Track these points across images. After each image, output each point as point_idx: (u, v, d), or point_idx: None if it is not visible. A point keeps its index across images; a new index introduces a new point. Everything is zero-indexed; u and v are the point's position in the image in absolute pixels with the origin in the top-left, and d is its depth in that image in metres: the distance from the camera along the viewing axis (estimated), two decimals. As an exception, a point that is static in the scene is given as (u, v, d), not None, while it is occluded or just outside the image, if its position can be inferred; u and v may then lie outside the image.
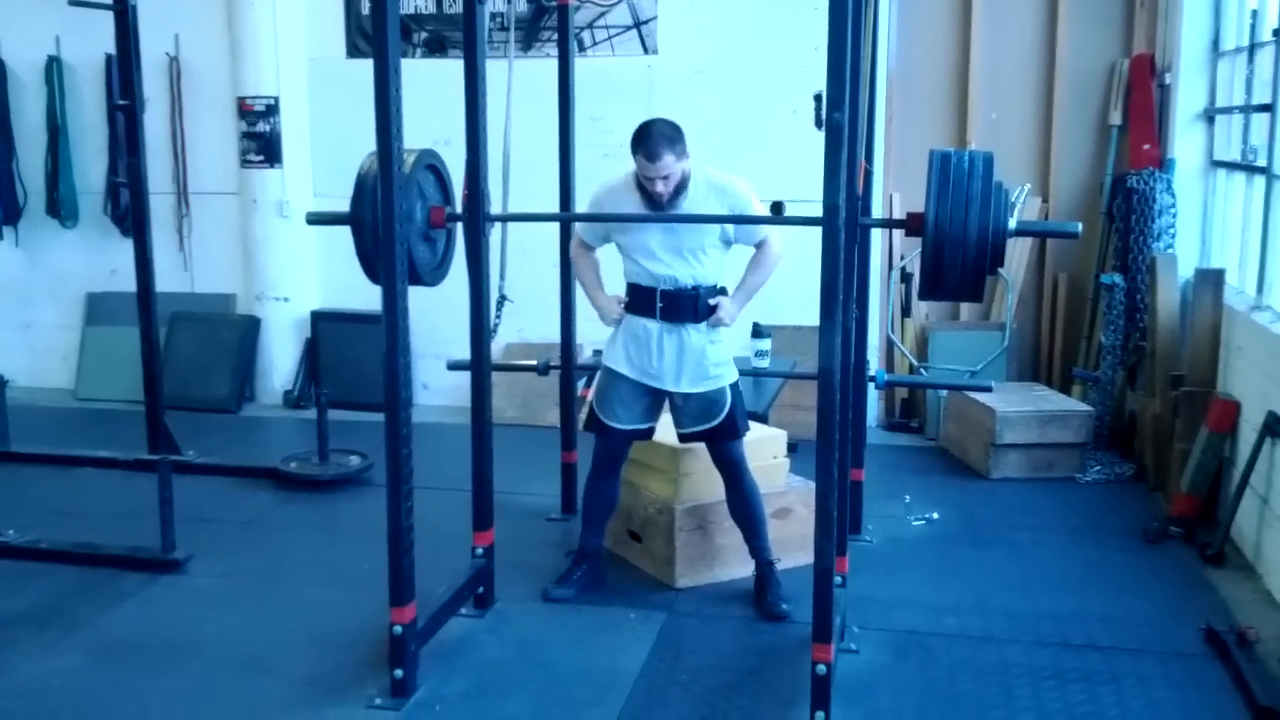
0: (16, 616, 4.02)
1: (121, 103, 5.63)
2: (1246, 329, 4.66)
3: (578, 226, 4.19)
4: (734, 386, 4.02)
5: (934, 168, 3.43)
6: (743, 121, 6.25)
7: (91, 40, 6.71)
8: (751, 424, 4.18)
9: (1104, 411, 5.79)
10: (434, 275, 4.03)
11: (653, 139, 3.75)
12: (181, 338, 7.08)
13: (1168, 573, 4.41)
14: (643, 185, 3.85)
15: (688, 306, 3.91)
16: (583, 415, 4.54)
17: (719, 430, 4.00)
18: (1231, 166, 5.47)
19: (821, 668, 3.23)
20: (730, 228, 3.93)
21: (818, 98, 5.71)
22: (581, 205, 4.55)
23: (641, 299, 3.96)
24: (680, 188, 3.83)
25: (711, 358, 3.97)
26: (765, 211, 3.93)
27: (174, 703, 3.47)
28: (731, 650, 3.80)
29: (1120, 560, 4.54)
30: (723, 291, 4.00)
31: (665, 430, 4.16)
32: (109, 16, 5.49)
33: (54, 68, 7.07)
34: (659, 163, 3.75)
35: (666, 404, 4.10)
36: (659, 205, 3.84)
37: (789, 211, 3.99)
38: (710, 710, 3.41)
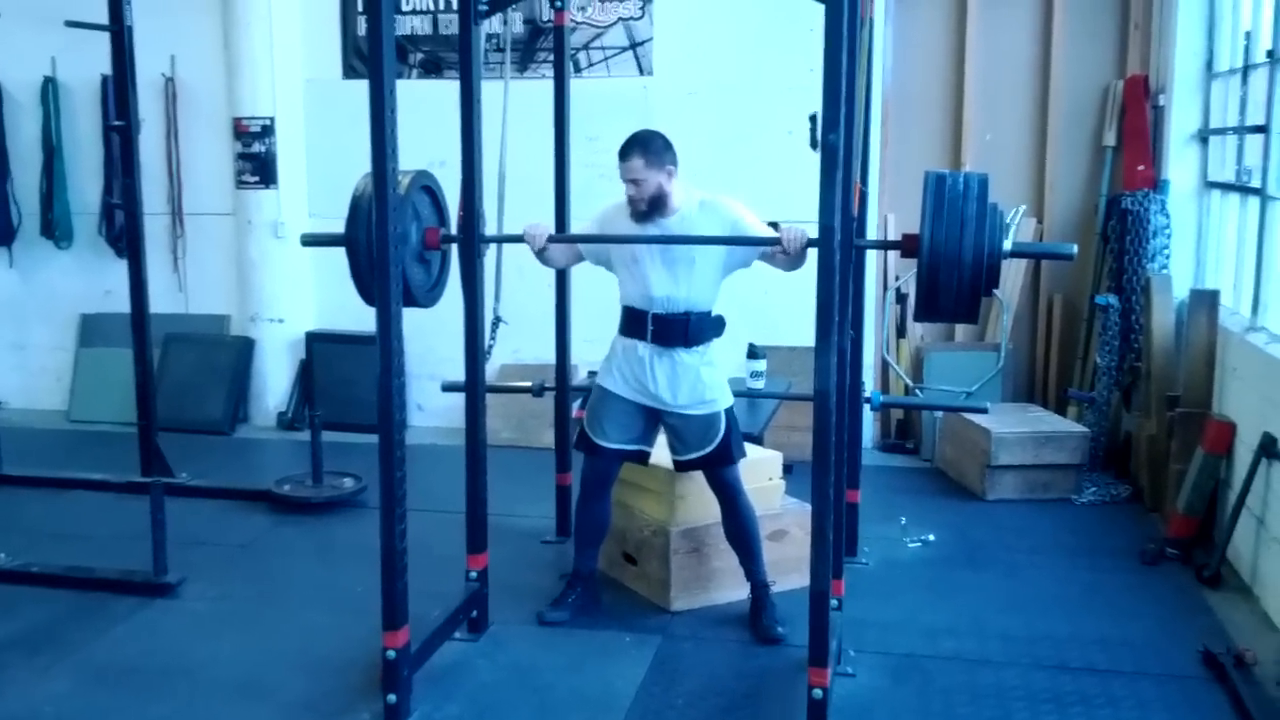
0: (7, 641, 3.99)
1: (117, 123, 5.62)
2: (1241, 350, 4.66)
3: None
4: (729, 411, 4.00)
5: (929, 189, 3.43)
6: (738, 142, 6.26)
7: (87, 61, 6.71)
8: (747, 445, 4.16)
9: (1099, 432, 5.79)
10: (428, 297, 4.02)
11: (629, 142, 3.83)
12: (175, 359, 7.07)
13: (1164, 594, 4.39)
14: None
15: (678, 331, 3.89)
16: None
17: (714, 456, 3.98)
18: (1226, 187, 5.48)
19: (818, 692, 3.21)
20: (731, 255, 3.87)
21: (813, 118, 5.73)
22: (580, 224, 4.54)
23: (634, 322, 3.96)
24: (657, 201, 3.82)
25: (706, 380, 3.94)
26: (763, 225, 3.90)
27: (165, 728, 3.45)
28: (727, 674, 3.78)
29: (1117, 582, 4.53)
30: (718, 320, 3.97)
31: (660, 452, 4.14)
32: (105, 37, 5.49)
33: (50, 88, 7.08)
34: (625, 163, 3.80)
35: (662, 430, 4.09)
36: (641, 218, 3.85)
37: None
38: (706, 735, 3.39)
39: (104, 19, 5.47)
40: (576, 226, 4.74)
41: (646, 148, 3.80)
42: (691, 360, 3.93)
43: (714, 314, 3.97)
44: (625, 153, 3.82)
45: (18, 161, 7.16)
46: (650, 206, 3.83)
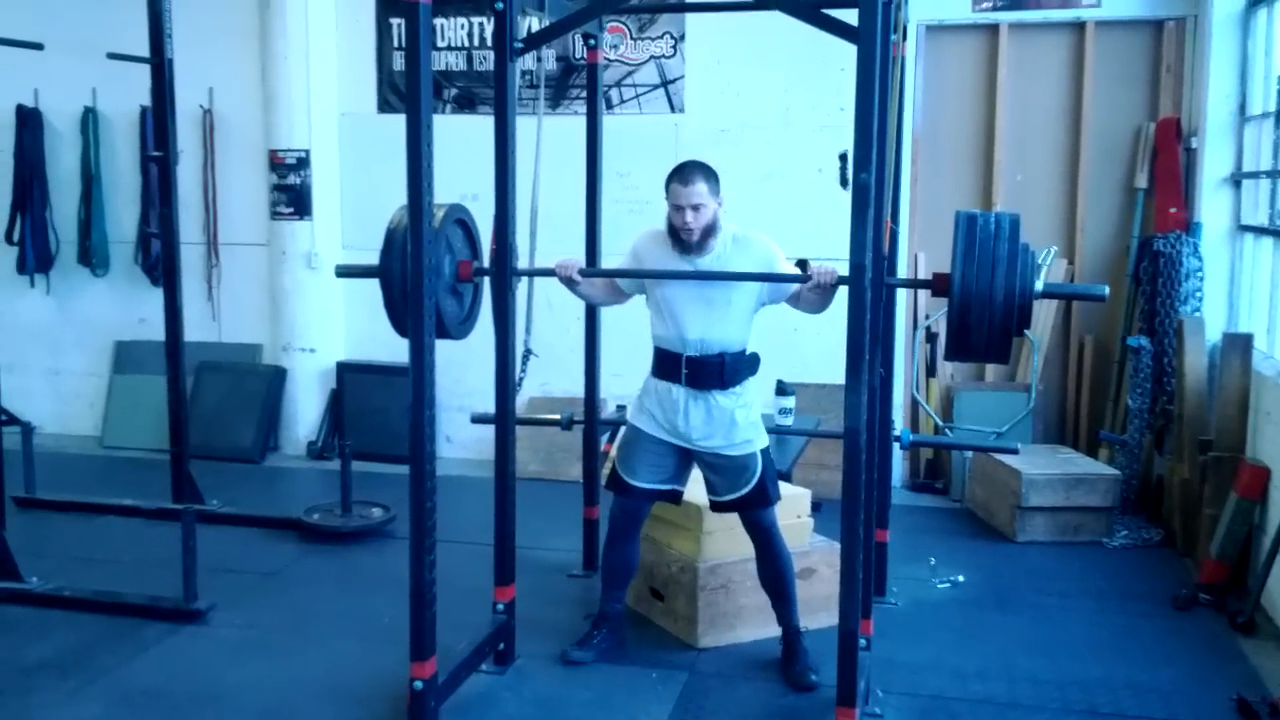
0: (38, 664, 4.02)
1: (155, 154, 5.72)
2: (1275, 394, 4.62)
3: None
4: (764, 452, 3.92)
5: (960, 229, 3.43)
6: (768, 180, 6.29)
7: (127, 92, 6.83)
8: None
9: (1131, 475, 5.74)
10: (461, 329, 4.05)
11: (688, 167, 3.76)
12: (208, 387, 7.13)
13: (1197, 640, 4.34)
14: (675, 232, 3.78)
15: (714, 373, 3.82)
16: (605, 471, 4.52)
17: (751, 498, 3.91)
18: (1259, 231, 5.46)
19: (846, 732, 3.19)
20: (764, 290, 3.82)
21: (843, 157, 5.79)
22: (611, 259, 4.57)
23: (668, 364, 3.89)
24: (710, 231, 3.78)
25: (740, 422, 3.87)
26: (792, 267, 3.89)
27: (192, 755, 3.46)
28: (754, 713, 3.75)
29: (1148, 627, 4.48)
30: (753, 358, 3.92)
31: (690, 487, 4.11)
32: (145, 69, 5.59)
33: (90, 119, 7.19)
34: (691, 188, 3.69)
35: (695, 469, 4.06)
36: (689, 249, 3.78)
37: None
38: (732, 773, 3.37)
39: (145, 51, 5.57)
40: (608, 262, 4.76)
41: (708, 173, 3.74)
42: (727, 403, 3.85)
43: (748, 352, 3.90)
44: (687, 177, 3.72)
45: (57, 190, 7.27)
46: (702, 237, 3.76)
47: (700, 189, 3.71)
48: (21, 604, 4.50)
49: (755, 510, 3.94)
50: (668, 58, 6.56)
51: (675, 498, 4.07)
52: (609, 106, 6.46)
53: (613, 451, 4.41)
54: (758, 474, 3.89)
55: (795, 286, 3.75)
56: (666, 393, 3.90)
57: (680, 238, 3.77)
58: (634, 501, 4.04)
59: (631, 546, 4.13)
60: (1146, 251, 5.91)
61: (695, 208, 3.71)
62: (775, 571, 4.01)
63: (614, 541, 4.11)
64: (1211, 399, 5.30)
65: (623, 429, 4.19)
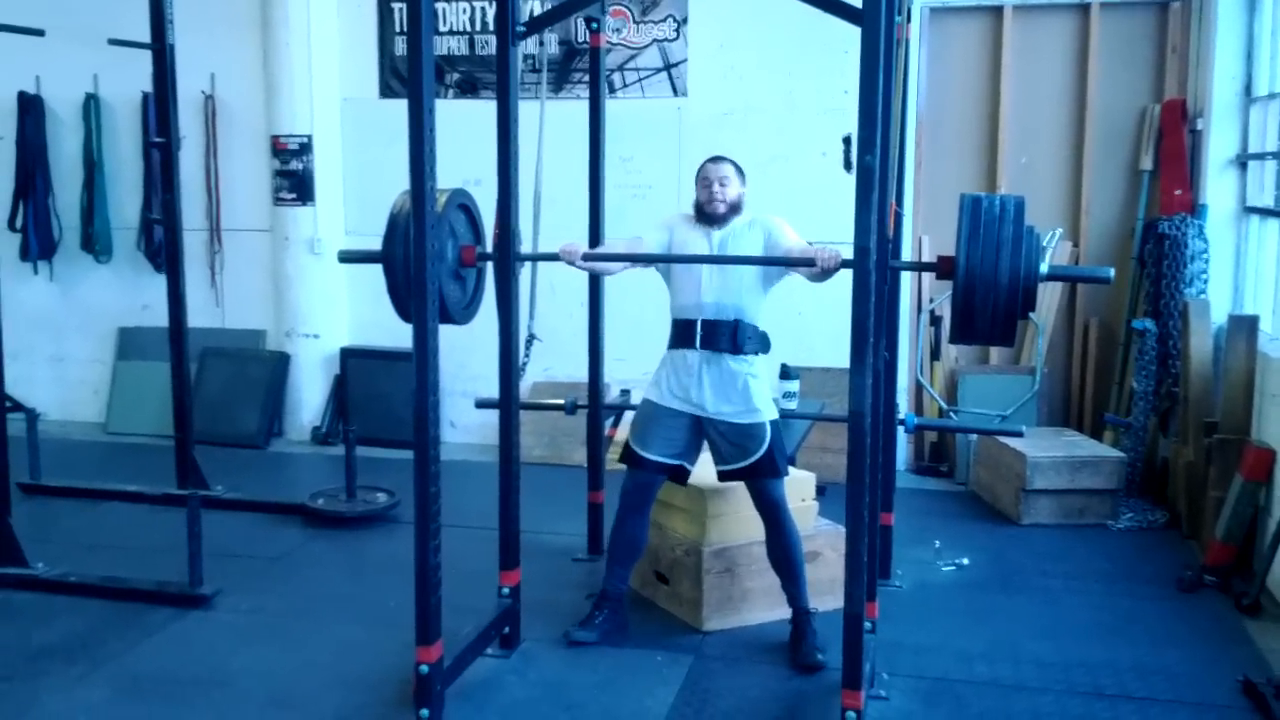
0: (44, 650, 4.03)
1: (158, 140, 5.72)
2: (1281, 376, 4.61)
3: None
4: (774, 424, 3.98)
5: (965, 212, 3.42)
6: (772, 164, 6.26)
7: (129, 78, 6.83)
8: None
9: (1136, 458, 5.73)
10: (464, 314, 4.05)
11: (719, 155, 4.10)
12: (212, 373, 7.14)
13: (1202, 623, 4.34)
14: (701, 213, 4.02)
15: (726, 335, 3.93)
16: (612, 454, 4.52)
17: (757, 467, 3.95)
18: (1265, 213, 5.44)
19: (851, 715, 3.20)
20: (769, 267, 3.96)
21: (847, 140, 5.77)
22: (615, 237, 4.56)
23: (683, 331, 4.00)
24: (735, 208, 4.01)
25: (752, 389, 3.95)
26: (797, 234, 3.96)
27: (199, 739, 3.47)
28: (760, 695, 3.76)
29: (1154, 609, 4.48)
30: (764, 335, 4.00)
31: (696, 470, 4.13)
32: (147, 55, 5.58)
33: (92, 105, 7.19)
34: (721, 165, 4.03)
35: (705, 447, 4.09)
36: (712, 221, 3.98)
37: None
38: (737, 756, 3.38)
39: (146, 37, 5.55)
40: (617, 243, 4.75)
41: (736, 164, 4.08)
42: (739, 368, 3.94)
43: (760, 330, 4.00)
44: (718, 159, 4.07)
45: (59, 177, 7.27)
46: (729, 210, 4.00)
47: (728, 168, 4.05)
48: (28, 590, 4.52)
49: (763, 480, 3.98)
50: (670, 41, 6.54)
51: (682, 475, 4.09)
52: (611, 90, 6.44)
53: (617, 435, 4.42)
54: (766, 442, 3.95)
55: (793, 244, 3.90)
56: (682, 359, 4.00)
57: (705, 212, 4.01)
58: (645, 474, 4.07)
59: (641, 522, 4.15)
60: (1151, 233, 5.89)
61: (722, 180, 4.00)
62: (784, 549, 4.03)
63: (624, 516, 4.13)
64: (1217, 381, 5.29)
65: (640, 405, 4.19)
